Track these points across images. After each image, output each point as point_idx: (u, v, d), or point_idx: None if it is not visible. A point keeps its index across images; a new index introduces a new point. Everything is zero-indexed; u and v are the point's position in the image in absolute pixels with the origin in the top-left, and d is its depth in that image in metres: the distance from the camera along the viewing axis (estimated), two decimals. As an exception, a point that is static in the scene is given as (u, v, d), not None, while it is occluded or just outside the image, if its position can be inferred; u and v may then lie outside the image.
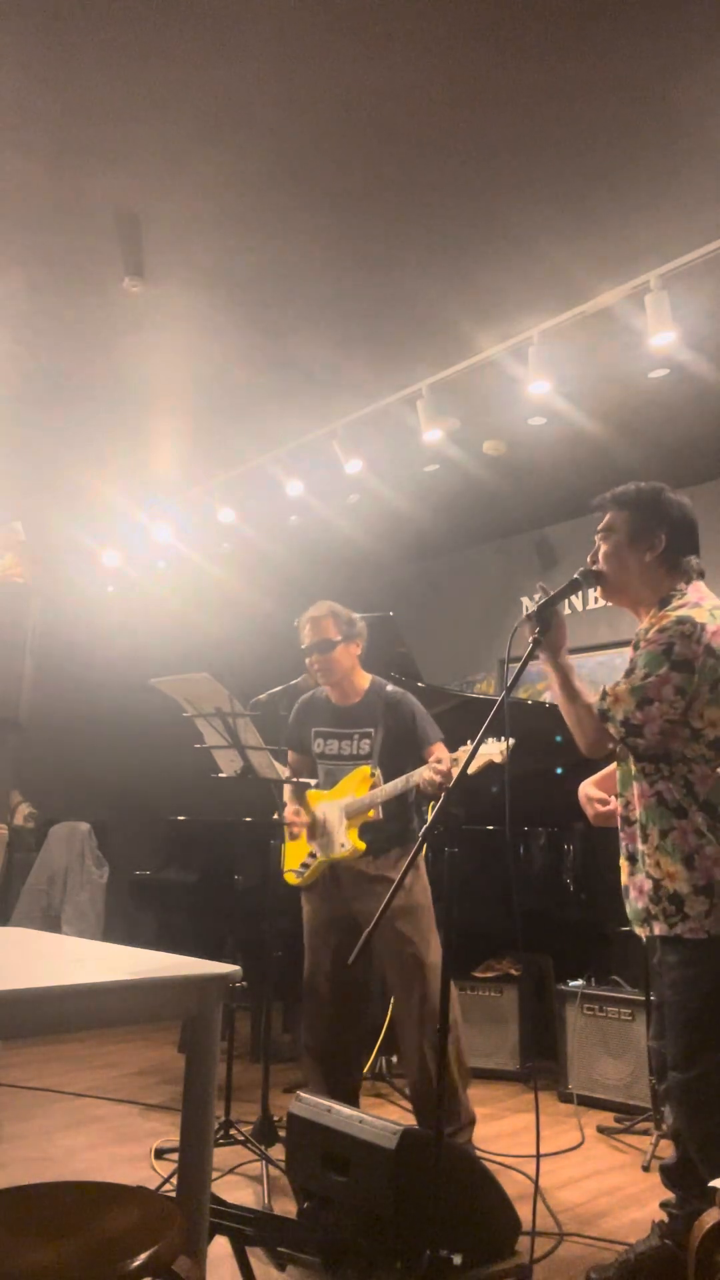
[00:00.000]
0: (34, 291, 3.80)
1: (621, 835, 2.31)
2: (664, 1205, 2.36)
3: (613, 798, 2.43)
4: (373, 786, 3.14)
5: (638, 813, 2.23)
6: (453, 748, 3.00)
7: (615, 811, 2.38)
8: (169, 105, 2.84)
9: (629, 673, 2.17)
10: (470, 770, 2.25)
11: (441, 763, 2.91)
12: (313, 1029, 3.24)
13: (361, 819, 3.14)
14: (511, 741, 2.65)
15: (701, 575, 2.30)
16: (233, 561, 6.46)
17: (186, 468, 5.57)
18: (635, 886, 2.25)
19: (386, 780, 3.12)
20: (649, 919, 2.21)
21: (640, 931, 2.27)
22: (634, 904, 2.26)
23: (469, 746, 2.80)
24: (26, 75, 2.74)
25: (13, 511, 5.12)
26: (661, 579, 2.28)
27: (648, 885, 2.20)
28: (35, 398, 4.73)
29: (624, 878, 2.31)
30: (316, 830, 3.23)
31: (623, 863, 2.32)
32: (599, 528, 2.35)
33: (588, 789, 2.50)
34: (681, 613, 2.17)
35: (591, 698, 2.21)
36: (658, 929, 2.18)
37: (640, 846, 2.22)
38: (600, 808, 2.44)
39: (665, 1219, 2.33)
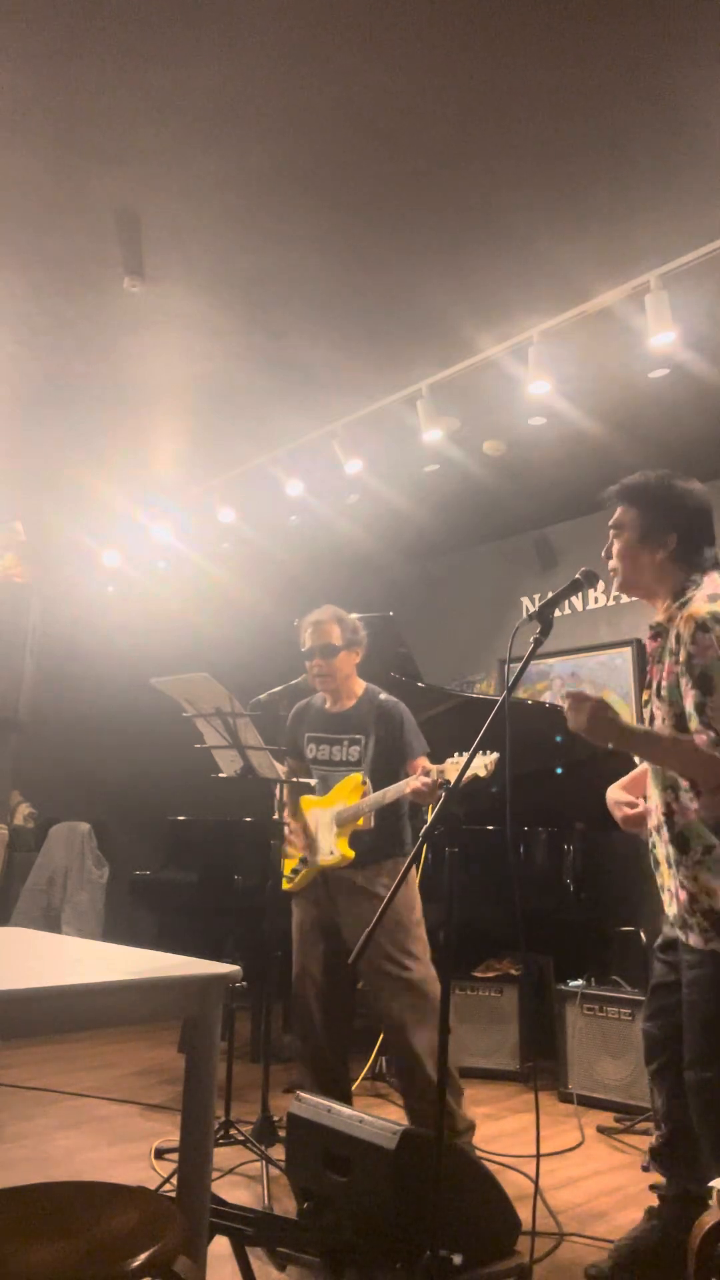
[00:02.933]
0: (34, 291, 3.80)
1: (657, 839, 2.27)
2: (654, 1188, 2.36)
3: (641, 800, 2.37)
4: (364, 794, 3.14)
5: (678, 823, 2.19)
6: (450, 751, 2.99)
7: (645, 814, 2.33)
8: (169, 106, 2.84)
9: (705, 689, 2.05)
10: (459, 785, 2.24)
11: (429, 774, 2.90)
12: (301, 1033, 3.24)
13: (352, 827, 3.14)
14: (496, 755, 2.65)
15: (717, 565, 2.24)
16: (233, 561, 6.46)
17: (186, 468, 5.57)
18: (668, 890, 2.24)
19: (377, 789, 3.12)
20: (684, 926, 2.19)
21: (670, 931, 2.26)
22: (667, 905, 2.25)
23: (456, 759, 2.80)
24: (27, 75, 2.74)
25: (13, 511, 5.13)
26: (675, 573, 2.23)
27: (684, 895, 2.18)
28: (35, 398, 4.73)
29: (660, 877, 2.29)
30: (307, 836, 3.23)
31: (658, 860, 2.28)
32: (610, 523, 2.32)
33: (616, 793, 2.42)
34: (711, 609, 2.10)
35: (679, 735, 2.11)
36: (693, 940, 2.16)
37: (675, 854, 2.19)
38: (628, 811, 2.36)
39: (654, 1204, 2.33)
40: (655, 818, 2.27)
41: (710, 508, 2.28)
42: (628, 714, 2.26)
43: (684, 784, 2.16)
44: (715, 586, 2.17)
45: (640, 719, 2.36)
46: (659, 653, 2.23)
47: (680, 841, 2.17)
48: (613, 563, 2.30)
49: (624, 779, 2.48)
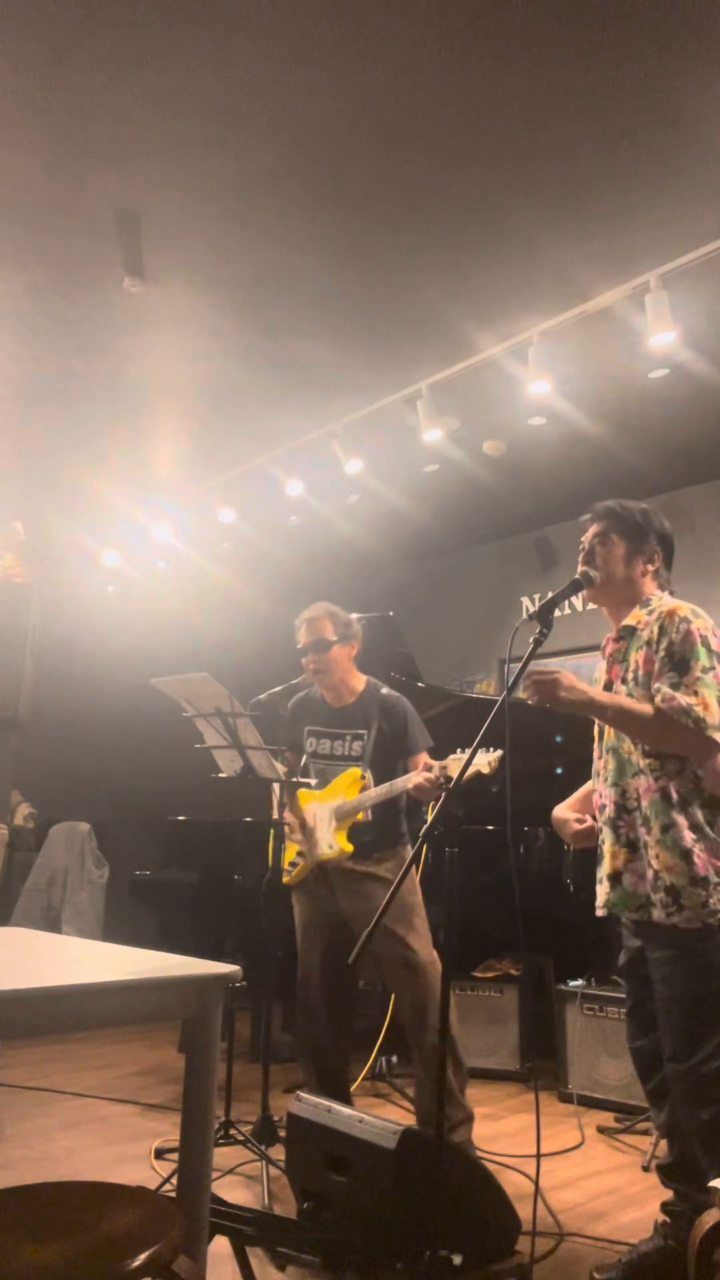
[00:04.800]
0: (34, 291, 3.80)
1: (618, 824, 2.33)
2: (664, 1206, 2.36)
3: (589, 817, 2.50)
4: (363, 789, 3.14)
5: (643, 804, 2.27)
6: (451, 750, 3.00)
7: (593, 829, 2.46)
8: (169, 105, 2.84)
9: (682, 670, 2.20)
10: (461, 780, 2.28)
11: (431, 769, 2.91)
12: (305, 1028, 3.24)
13: (350, 821, 3.14)
14: (500, 753, 2.67)
15: (670, 589, 2.48)
16: (233, 561, 6.46)
17: (186, 468, 5.57)
18: (634, 873, 2.28)
19: (377, 783, 3.12)
20: (647, 905, 2.24)
21: (630, 915, 2.30)
22: (629, 889, 2.29)
23: (459, 755, 2.81)
24: (26, 75, 2.74)
25: (13, 511, 5.12)
26: (648, 587, 2.43)
27: (649, 874, 2.24)
28: (35, 398, 4.73)
29: (616, 863, 2.32)
30: (305, 830, 3.24)
31: (617, 849, 2.33)
32: (595, 532, 2.45)
33: (563, 812, 2.56)
34: (690, 606, 2.32)
35: (649, 707, 2.21)
36: (654, 915, 2.22)
37: (644, 836, 2.26)
38: (577, 826, 2.49)
39: (667, 1219, 2.33)
40: (611, 809, 2.35)
41: (673, 540, 2.50)
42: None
43: (646, 764, 2.27)
44: (675, 602, 2.37)
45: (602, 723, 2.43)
46: (623, 652, 2.39)
47: (646, 822, 2.27)
48: (600, 565, 2.41)
49: (570, 799, 2.60)
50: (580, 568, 2.43)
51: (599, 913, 2.38)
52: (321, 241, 3.47)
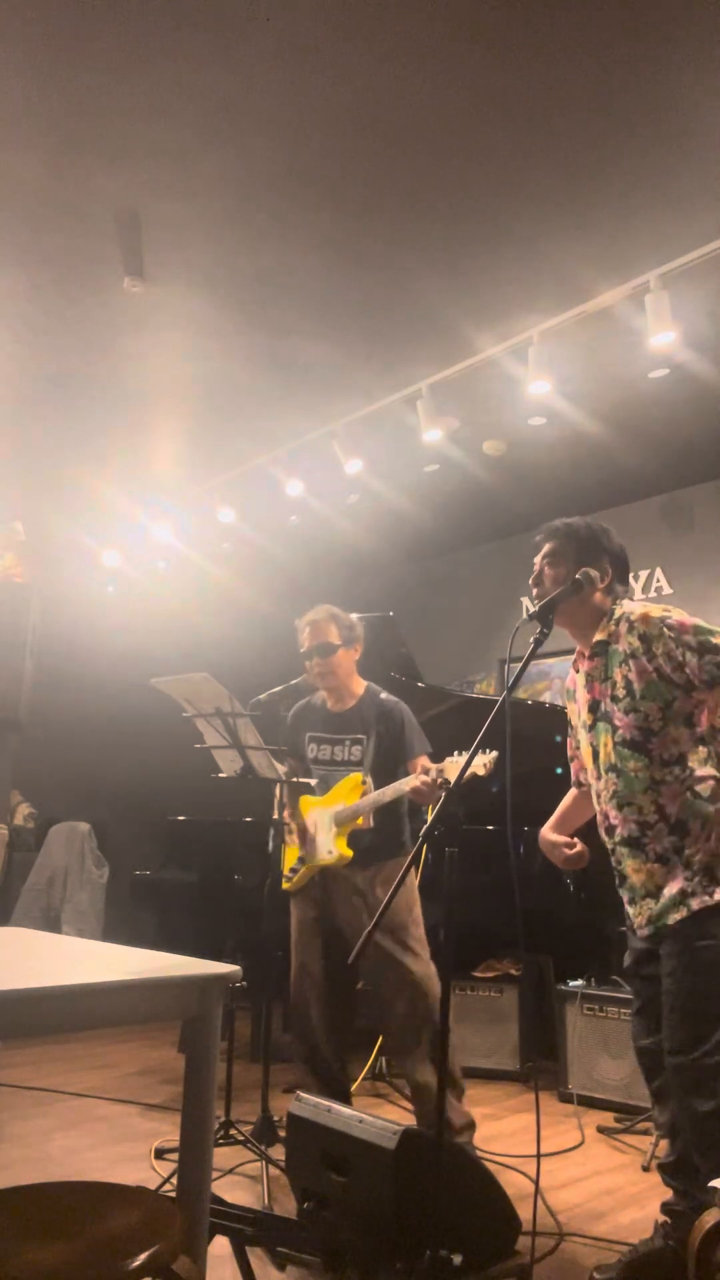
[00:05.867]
0: (34, 291, 3.80)
1: (643, 841, 2.29)
2: (664, 1206, 2.36)
3: (575, 839, 2.51)
4: (364, 794, 3.14)
5: (671, 812, 2.25)
6: (450, 751, 2.99)
7: (583, 852, 2.48)
8: (170, 105, 2.84)
9: (714, 650, 2.20)
10: (459, 783, 2.27)
11: (429, 773, 2.90)
12: (299, 1034, 3.23)
13: (351, 826, 3.13)
14: (495, 754, 2.66)
15: (628, 597, 2.49)
16: (233, 561, 6.46)
17: (186, 468, 5.57)
18: (672, 880, 2.25)
19: (377, 788, 3.11)
20: (684, 900, 2.22)
21: (676, 916, 2.23)
22: (670, 894, 2.24)
23: (455, 757, 2.81)
24: (26, 75, 2.74)
25: (13, 511, 5.13)
26: (604, 602, 2.43)
27: (684, 872, 2.24)
28: (35, 398, 4.73)
29: (656, 879, 2.28)
30: (306, 836, 3.23)
31: (651, 866, 2.28)
32: (545, 553, 2.47)
33: (549, 835, 2.56)
34: (641, 606, 2.35)
35: None
36: (695, 904, 2.20)
37: (679, 841, 2.25)
38: (567, 851, 2.50)
39: (667, 1219, 2.33)
40: (628, 828, 2.31)
41: (627, 557, 2.51)
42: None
43: (666, 775, 2.26)
44: (641, 607, 2.37)
45: (593, 742, 2.42)
46: (602, 670, 2.38)
47: (680, 828, 2.25)
48: (550, 586, 2.43)
49: (552, 820, 2.61)
50: (532, 589, 2.45)
51: (642, 933, 2.32)
52: (321, 241, 3.47)
